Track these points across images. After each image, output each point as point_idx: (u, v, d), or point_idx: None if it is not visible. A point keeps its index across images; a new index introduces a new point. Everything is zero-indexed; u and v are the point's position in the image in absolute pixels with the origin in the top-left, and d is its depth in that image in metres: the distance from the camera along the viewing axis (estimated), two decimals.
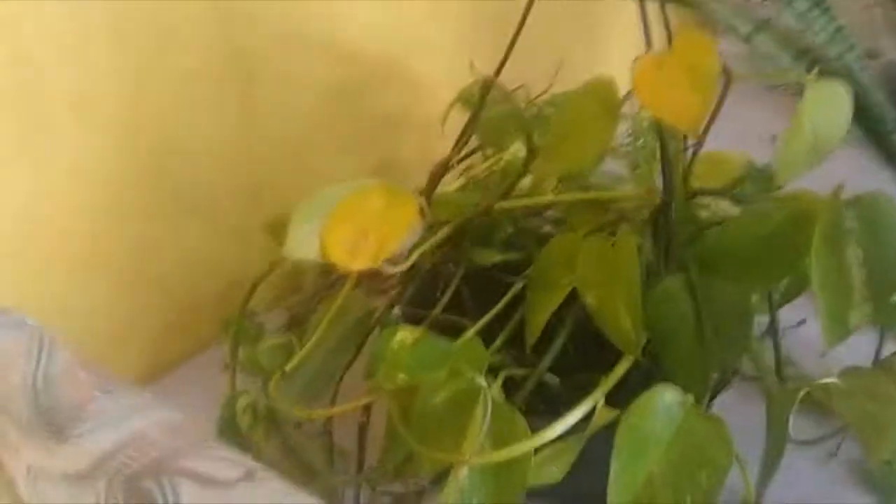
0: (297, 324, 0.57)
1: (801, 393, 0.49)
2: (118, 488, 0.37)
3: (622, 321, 0.39)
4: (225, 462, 0.38)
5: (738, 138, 0.52)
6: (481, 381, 0.37)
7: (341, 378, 0.49)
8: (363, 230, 0.45)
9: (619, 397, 0.40)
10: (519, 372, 0.44)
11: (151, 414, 0.40)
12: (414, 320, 0.48)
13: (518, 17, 0.46)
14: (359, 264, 0.44)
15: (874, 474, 0.53)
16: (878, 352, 0.57)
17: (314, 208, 0.46)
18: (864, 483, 0.54)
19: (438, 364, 0.39)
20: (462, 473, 0.38)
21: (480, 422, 0.37)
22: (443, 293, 0.50)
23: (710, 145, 0.43)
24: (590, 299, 0.40)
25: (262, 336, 0.53)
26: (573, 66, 0.71)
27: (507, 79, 0.57)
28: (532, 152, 0.44)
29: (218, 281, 0.65)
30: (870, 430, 0.45)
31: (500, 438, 0.39)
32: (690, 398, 0.38)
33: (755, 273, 0.40)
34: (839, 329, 0.35)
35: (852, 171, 0.42)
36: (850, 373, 0.47)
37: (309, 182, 0.67)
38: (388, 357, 0.41)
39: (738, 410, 0.46)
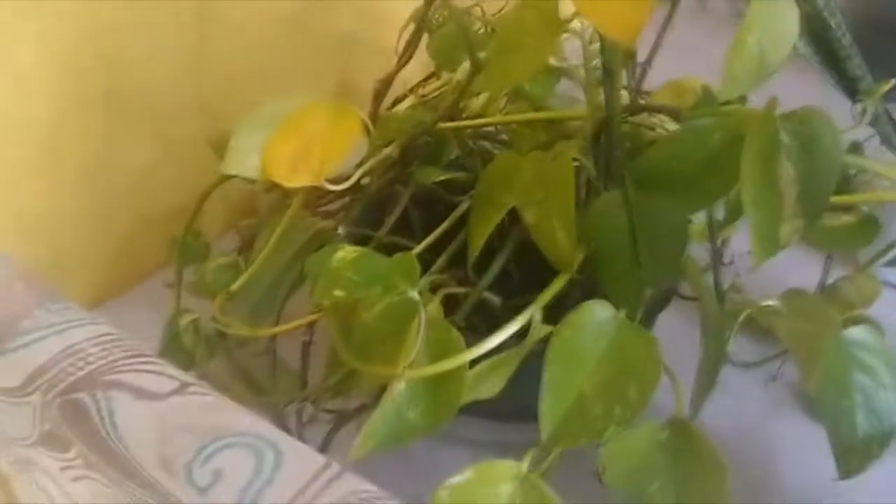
0: (248, 247, 0.57)
1: (742, 315, 0.50)
2: (52, 402, 0.38)
3: (558, 237, 0.39)
4: (159, 375, 0.38)
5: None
6: (414, 294, 0.37)
7: (287, 298, 0.49)
8: (305, 146, 0.45)
9: (559, 316, 0.40)
10: (460, 290, 0.44)
11: (88, 328, 0.40)
12: (360, 241, 0.48)
13: None
14: (300, 181, 0.44)
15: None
16: (823, 278, 0.57)
17: (256, 123, 0.46)
18: (805, 405, 0.55)
19: (375, 280, 0.39)
20: (398, 388, 0.39)
21: (415, 336, 0.37)
22: (390, 215, 0.50)
23: None
24: (528, 216, 0.40)
25: (209, 256, 0.53)
26: None
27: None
28: (476, 70, 0.43)
29: (169, 201, 0.64)
30: (805, 352, 0.45)
31: (435, 353, 0.39)
32: (622, 314, 0.38)
33: (692, 192, 0.40)
34: (768, 245, 0.35)
35: (809, 95, 0.41)
36: (790, 296, 0.48)
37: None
38: (326, 274, 0.40)
39: (682, 330, 0.47)
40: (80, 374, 0.38)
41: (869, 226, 0.50)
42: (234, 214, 0.69)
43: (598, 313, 0.38)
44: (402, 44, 0.56)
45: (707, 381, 0.43)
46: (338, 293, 0.40)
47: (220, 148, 0.52)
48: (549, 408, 0.37)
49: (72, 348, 0.39)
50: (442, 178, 0.47)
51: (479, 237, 0.42)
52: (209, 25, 0.62)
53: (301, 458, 0.34)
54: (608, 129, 0.41)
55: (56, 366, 0.39)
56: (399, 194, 0.50)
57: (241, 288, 0.49)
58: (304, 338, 0.47)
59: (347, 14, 0.74)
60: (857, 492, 0.45)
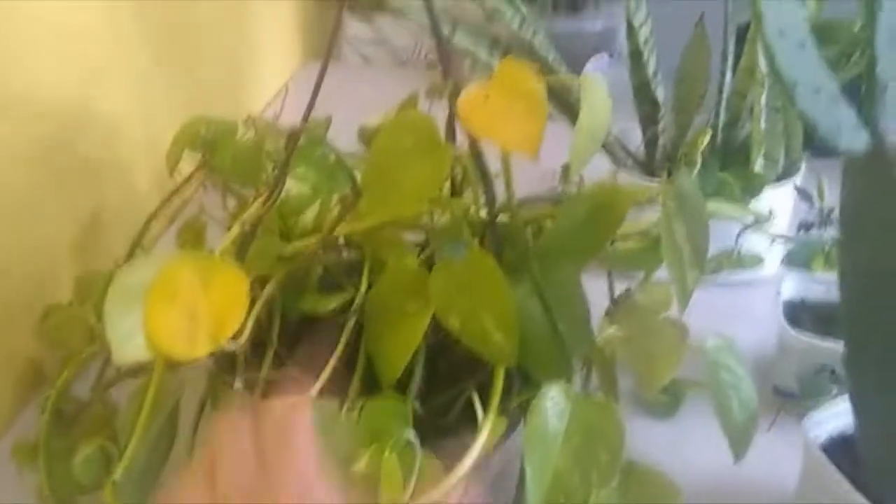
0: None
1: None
2: None
3: (493, 334, 0.41)
4: None
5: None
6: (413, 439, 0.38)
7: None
8: (190, 311, 0.41)
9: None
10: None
11: None
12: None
13: None
14: (201, 349, 0.41)
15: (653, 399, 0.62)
16: (611, 292, 0.65)
17: (123, 302, 0.41)
18: (647, 409, 0.63)
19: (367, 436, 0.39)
20: None
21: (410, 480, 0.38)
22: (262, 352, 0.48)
23: None
24: (453, 321, 0.41)
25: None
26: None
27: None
28: (354, 192, 0.44)
29: None
30: (645, 364, 0.52)
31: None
32: (571, 387, 0.42)
33: (577, 254, 0.44)
34: (684, 293, 0.41)
35: None
36: (620, 318, 0.54)
37: (36, 255, 0.60)
38: None
39: None
40: None
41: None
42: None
43: (551, 394, 0.41)
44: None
45: None
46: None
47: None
48: (533, 487, 0.40)
49: None
50: (327, 304, 0.46)
51: (402, 353, 0.43)
52: None
53: None
54: (494, 230, 0.44)
55: None
56: (263, 327, 0.48)
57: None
58: None
59: (90, 135, 0.69)
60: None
